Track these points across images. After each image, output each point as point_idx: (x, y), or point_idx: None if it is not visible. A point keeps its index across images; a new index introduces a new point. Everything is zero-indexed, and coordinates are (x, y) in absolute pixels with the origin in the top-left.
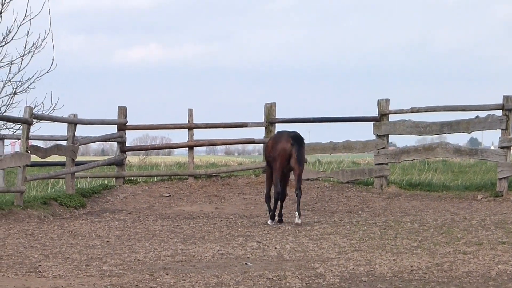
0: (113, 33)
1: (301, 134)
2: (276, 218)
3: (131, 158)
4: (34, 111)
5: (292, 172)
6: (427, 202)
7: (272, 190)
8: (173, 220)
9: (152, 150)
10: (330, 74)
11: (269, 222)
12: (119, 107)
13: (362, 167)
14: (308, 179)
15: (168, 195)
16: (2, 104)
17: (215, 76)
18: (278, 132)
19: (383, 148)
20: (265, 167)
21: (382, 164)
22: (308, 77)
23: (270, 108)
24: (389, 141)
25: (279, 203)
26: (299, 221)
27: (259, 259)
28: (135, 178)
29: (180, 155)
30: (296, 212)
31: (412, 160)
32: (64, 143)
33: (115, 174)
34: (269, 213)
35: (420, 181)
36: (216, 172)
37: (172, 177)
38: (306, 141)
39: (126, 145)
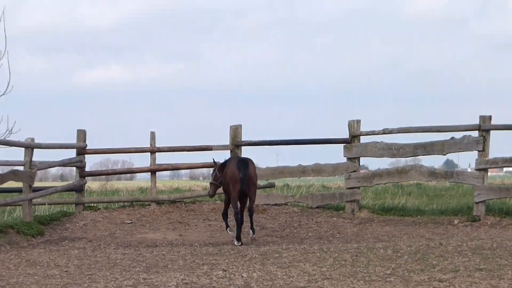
0: (73, 54)
1: (249, 158)
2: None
3: (91, 184)
4: None
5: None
6: (400, 228)
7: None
8: (135, 248)
9: (113, 175)
10: (299, 95)
11: (235, 243)
12: (78, 131)
13: (333, 191)
14: (276, 204)
15: (130, 222)
16: None
17: (179, 97)
18: (225, 160)
19: (354, 171)
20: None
21: (354, 188)
22: (276, 98)
23: (236, 131)
24: (360, 164)
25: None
26: (254, 236)
27: None
28: (95, 205)
29: (143, 180)
30: (250, 230)
31: (385, 184)
32: (21, 168)
33: (74, 201)
34: (226, 229)
35: (393, 205)
36: (180, 198)
37: (134, 203)
38: (274, 164)
39: (86, 170)
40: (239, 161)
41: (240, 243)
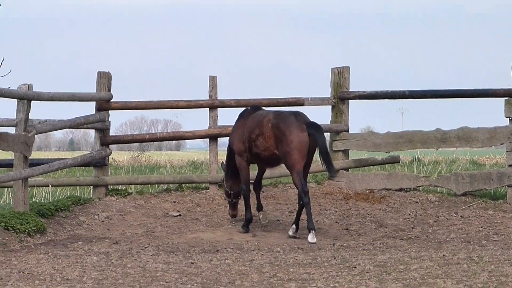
0: None
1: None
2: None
3: (118, 155)
4: None
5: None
6: None
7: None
8: (185, 254)
9: (151, 143)
10: (435, 20)
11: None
12: (100, 74)
13: (488, 170)
14: (401, 189)
15: (177, 214)
16: None
17: (250, 22)
18: (274, 112)
19: None
20: (238, 158)
21: None
22: (399, 26)
23: (340, 76)
24: None
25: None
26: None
27: None
28: (124, 187)
29: (196, 149)
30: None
31: None
32: (11, 130)
33: (92, 181)
34: (245, 220)
35: None
36: (254, 178)
37: (184, 185)
38: (398, 127)
39: (111, 134)
40: (309, 123)
41: (314, 235)
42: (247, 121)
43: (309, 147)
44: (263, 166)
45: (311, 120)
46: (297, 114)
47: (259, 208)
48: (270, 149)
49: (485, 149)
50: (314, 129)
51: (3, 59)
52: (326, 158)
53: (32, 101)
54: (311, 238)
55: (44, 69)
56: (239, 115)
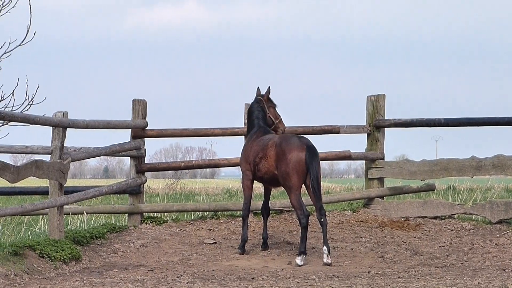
0: None
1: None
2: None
3: (154, 183)
4: None
5: (308, 191)
6: None
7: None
8: (220, 282)
9: (186, 170)
10: (471, 50)
11: (298, 261)
12: (135, 101)
13: None
14: (436, 217)
15: (213, 242)
16: None
17: (286, 51)
18: (280, 136)
19: None
20: (243, 177)
21: None
22: (433, 55)
23: (375, 104)
24: None
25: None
26: (329, 260)
27: None
28: (159, 215)
29: (231, 177)
30: (324, 247)
31: None
32: (46, 158)
33: (127, 208)
34: (241, 240)
35: None
36: (290, 206)
37: (219, 213)
38: (432, 155)
39: (146, 161)
40: (308, 146)
41: (304, 259)
42: (253, 144)
43: (307, 168)
44: (267, 186)
45: (307, 140)
46: (301, 137)
47: (265, 235)
48: (271, 169)
49: None
50: (309, 151)
51: (38, 86)
52: (316, 185)
53: (67, 129)
54: (300, 261)
55: (80, 97)
56: (249, 137)
